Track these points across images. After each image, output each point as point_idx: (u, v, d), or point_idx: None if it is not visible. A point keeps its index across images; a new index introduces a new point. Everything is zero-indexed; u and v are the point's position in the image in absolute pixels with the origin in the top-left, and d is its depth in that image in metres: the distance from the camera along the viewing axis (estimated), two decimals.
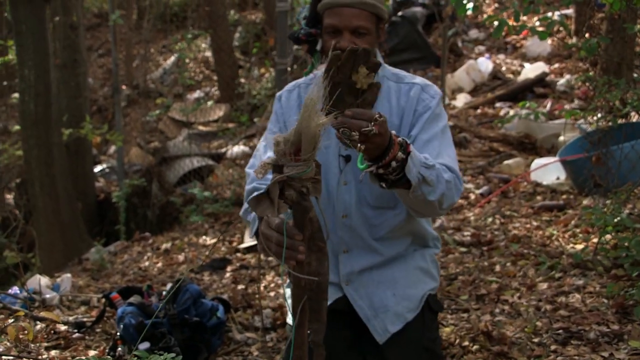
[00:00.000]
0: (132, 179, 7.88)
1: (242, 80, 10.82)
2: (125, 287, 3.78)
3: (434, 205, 1.97)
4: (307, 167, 1.61)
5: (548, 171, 5.61)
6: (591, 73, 4.39)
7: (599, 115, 4.13)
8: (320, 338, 1.71)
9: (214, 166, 8.17)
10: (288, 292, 2.41)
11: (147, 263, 5.68)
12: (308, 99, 1.58)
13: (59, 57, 7.97)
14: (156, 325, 3.22)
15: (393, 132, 1.81)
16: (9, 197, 8.08)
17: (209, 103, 9.96)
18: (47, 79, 6.36)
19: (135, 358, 2.16)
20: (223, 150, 8.79)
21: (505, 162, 6.34)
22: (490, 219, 4.97)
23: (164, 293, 3.66)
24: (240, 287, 4.43)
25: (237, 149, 8.46)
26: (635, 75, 4.15)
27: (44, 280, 4.35)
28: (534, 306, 3.31)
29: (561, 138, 6.12)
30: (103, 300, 3.76)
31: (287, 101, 2.34)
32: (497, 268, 3.99)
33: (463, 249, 4.45)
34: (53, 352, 3.18)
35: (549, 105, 7.63)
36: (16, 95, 8.27)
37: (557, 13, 4.50)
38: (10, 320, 3.30)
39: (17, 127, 8.10)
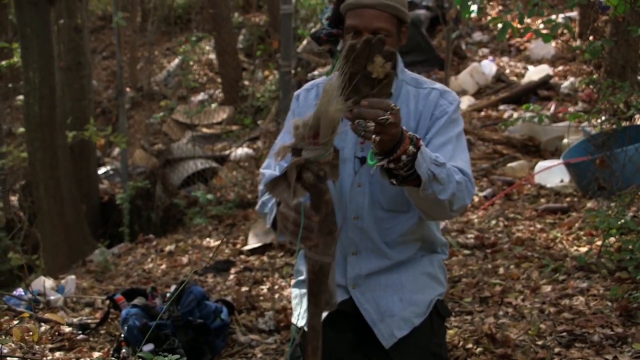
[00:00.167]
0: (136, 181, 7.89)
1: (246, 82, 10.83)
2: (129, 289, 3.79)
3: (444, 206, 1.96)
4: (325, 151, 1.63)
5: (552, 174, 5.61)
6: (595, 76, 4.39)
7: (603, 117, 4.13)
8: (315, 322, 1.72)
9: (218, 168, 8.18)
10: (294, 291, 2.42)
11: (151, 265, 5.69)
12: (327, 84, 1.62)
13: (63, 60, 7.99)
14: (160, 327, 3.22)
15: (404, 127, 1.82)
16: (14, 199, 8.10)
17: (213, 105, 9.97)
18: (51, 82, 6.37)
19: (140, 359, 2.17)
20: (227, 152, 8.79)
21: (509, 164, 6.34)
22: (494, 222, 4.97)
23: (168, 295, 3.67)
24: (244, 289, 4.43)
25: (241, 151, 8.47)
26: (639, 77, 4.15)
27: (49, 282, 4.36)
28: (538, 309, 3.31)
29: (565, 141, 6.11)
30: (107, 302, 3.76)
31: (304, 100, 2.35)
32: (501, 270, 3.99)
33: (467, 252, 4.45)
34: (57, 354, 3.19)
35: (552, 108, 7.63)
36: (21, 97, 8.28)
37: (561, 15, 4.50)
38: (15, 322, 3.31)
39: (21, 130, 8.12)
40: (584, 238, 4.27)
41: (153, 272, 5.43)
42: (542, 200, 5.35)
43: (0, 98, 9.24)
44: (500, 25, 3.62)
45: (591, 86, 4.37)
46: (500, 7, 11.47)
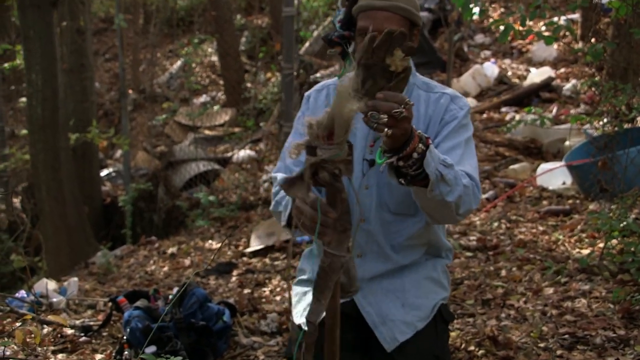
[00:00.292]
0: (138, 183, 7.91)
1: (248, 84, 10.83)
2: (131, 291, 3.79)
3: (451, 208, 1.96)
4: (339, 150, 1.66)
5: (554, 176, 5.61)
6: (597, 78, 4.39)
7: (605, 120, 4.13)
8: (315, 319, 1.73)
9: (220, 170, 8.18)
10: (296, 289, 2.43)
11: (153, 267, 5.70)
12: (341, 84, 1.63)
13: (66, 62, 8.00)
14: (162, 329, 3.22)
15: (412, 125, 1.82)
16: (16, 201, 8.11)
17: (215, 107, 9.98)
18: (54, 84, 6.39)
19: None
20: (229, 154, 8.80)
21: (511, 166, 6.34)
22: (496, 224, 4.97)
23: (170, 297, 3.67)
24: (246, 291, 4.44)
25: (243, 153, 8.47)
26: None
27: (51, 284, 4.37)
28: (540, 311, 3.31)
29: (567, 143, 6.11)
30: (110, 304, 3.77)
31: (314, 102, 2.36)
32: (503, 273, 3.99)
33: (469, 254, 4.45)
34: (60, 356, 3.19)
35: (554, 110, 7.63)
36: (24, 99, 8.30)
37: (563, 18, 4.49)
38: (18, 324, 3.31)
39: (24, 132, 8.14)
40: (586, 240, 4.26)
41: (155, 274, 5.44)
42: (545, 202, 5.35)
43: (3, 100, 9.24)
44: (502, 28, 3.62)
45: (593, 88, 4.37)
46: (502, 10, 11.47)
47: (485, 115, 8.13)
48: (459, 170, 1.98)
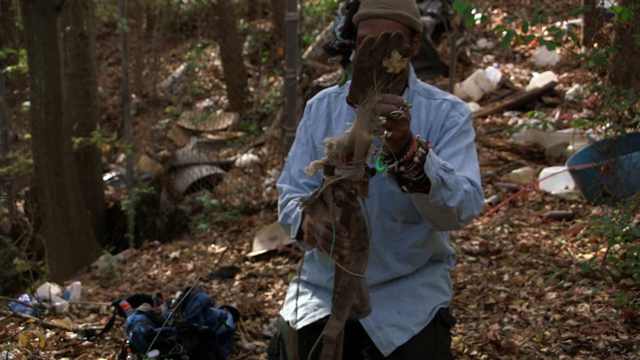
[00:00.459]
0: (141, 187, 7.92)
1: (251, 89, 10.85)
2: (134, 295, 3.79)
3: (452, 214, 1.97)
4: (357, 171, 1.69)
5: (557, 180, 5.61)
6: (600, 83, 4.39)
7: (608, 124, 4.13)
8: (334, 335, 1.77)
9: (223, 175, 8.19)
10: (292, 286, 2.44)
11: (156, 271, 5.70)
12: (362, 107, 1.66)
13: (69, 66, 8.03)
14: (165, 333, 3.23)
15: (410, 130, 1.83)
16: (19, 205, 8.13)
17: (218, 112, 10.00)
18: (57, 88, 6.40)
19: None
20: (232, 158, 8.81)
21: (514, 171, 6.34)
22: (498, 228, 4.97)
23: (173, 301, 3.67)
24: (249, 295, 4.44)
25: (246, 157, 8.48)
26: None
27: (54, 288, 4.37)
28: (543, 315, 3.31)
29: (570, 147, 6.12)
30: (112, 308, 3.77)
31: (316, 111, 2.37)
32: (506, 277, 3.99)
33: (471, 258, 4.45)
34: None
35: (557, 115, 7.63)
36: (27, 104, 8.32)
37: (565, 23, 4.51)
38: (21, 328, 3.32)
39: (27, 136, 8.16)
40: (589, 245, 4.27)
41: (158, 278, 5.44)
42: (547, 207, 5.35)
43: (7, 104, 9.26)
44: (504, 33, 3.63)
45: (596, 93, 4.38)
46: (505, 14, 11.48)
47: (487, 120, 8.14)
48: (460, 175, 1.98)
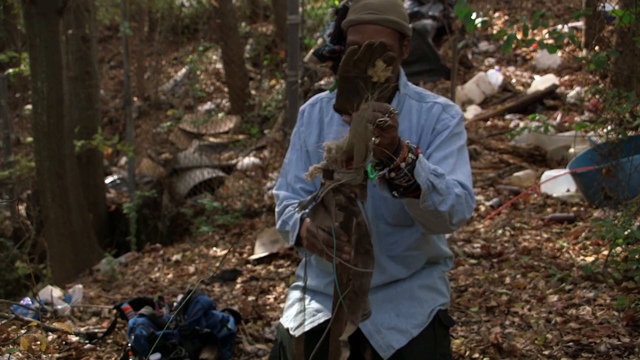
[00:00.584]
0: (143, 190, 7.92)
1: (253, 92, 10.86)
2: (136, 298, 3.80)
3: (444, 218, 1.97)
4: (357, 175, 1.71)
5: (558, 183, 5.61)
6: (601, 85, 4.39)
7: (609, 127, 4.13)
8: (347, 338, 1.78)
9: (225, 178, 8.20)
10: (292, 293, 2.44)
11: (157, 274, 5.70)
12: (360, 112, 1.68)
13: (71, 70, 8.04)
14: (167, 336, 3.23)
15: (400, 136, 1.84)
16: (21, 208, 8.14)
17: (220, 115, 10.02)
18: (59, 91, 6.42)
19: None
20: (233, 161, 8.82)
21: (515, 174, 6.34)
22: (500, 231, 4.97)
23: (174, 304, 3.68)
24: (250, 298, 4.44)
25: (248, 160, 8.49)
26: None
27: (56, 291, 4.38)
28: (544, 318, 3.31)
29: (571, 150, 6.12)
30: (114, 311, 3.77)
31: (308, 116, 2.38)
32: (507, 280, 3.99)
33: (473, 261, 4.45)
34: None
35: (559, 118, 7.63)
36: (29, 107, 8.33)
37: (566, 26, 4.51)
38: (23, 331, 3.32)
39: (29, 139, 8.17)
40: (591, 248, 4.26)
41: (160, 281, 5.44)
42: (549, 209, 5.35)
43: (9, 107, 9.28)
44: (505, 37, 3.63)
45: (597, 96, 4.37)
46: (507, 17, 11.49)
47: (489, 123, 8.14)
48: (450, 179, 1.99)
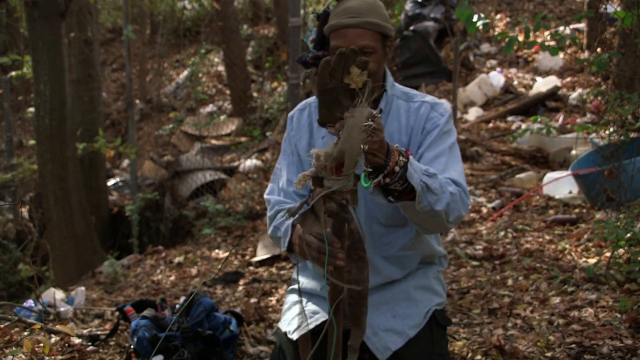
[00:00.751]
0: (145, 192, 7.93)
1: (255, 94, 10.87)
2: (138, 300, 3.80)
3: (441, 217, 1.98)
4: (348, 181, 1.71)
5: (560, 185, 5.60)
6: (603, 87, 4.40)
7: (611, 129, 4.13)
8: (357, 343, 1.81)
9: (227, 180, 8.20)
10: (289, 297, 2.44)
11: (160, 276, 5.71)
12: (351, 119, 1.67)
13: (74, 72, 8.06)
14: (169, 339, 3.23)
15: (389, 142, 1.85)
16: (24, 210, 8.15)
17: (222, 117, 10.03)
18: (62, 94, 6.43)
19: None
20: (235, 164, 8.83)
21: (518, 175, 6.34)
22: (502, 233, 4.97)
23: (177, 306, 3.68)
24: (252, 300, 4.44)
25: (250, 162, 8.50)
26: None
27: (59, 294, 4.38)
28: (547, 320, 3.31)
29: (573, 152, 6.12)
30: (117, 313, 3.78)
31: (297, 122, 2.38)
32: (510, 282, 3.99)
33: (475, 263, 4.45)
34: None
35: (561, 119, 7.63)
36: (31, 109, 8.35)
37: (568, 28, 4.51)
38: (26, 333, 3.33)
39: (32, 142, 8.19)
40: (593, 249, 4.26)
41: (162, 283, 5.45)
42: (551, 211, 5.34)
43: (11, 110, 9.30)
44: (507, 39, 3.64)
45: (599, 97, 4.38)
46: (508, 19, 11.49)
47: (491, 125, 8.14)
48: (443, 178, 2.00)
